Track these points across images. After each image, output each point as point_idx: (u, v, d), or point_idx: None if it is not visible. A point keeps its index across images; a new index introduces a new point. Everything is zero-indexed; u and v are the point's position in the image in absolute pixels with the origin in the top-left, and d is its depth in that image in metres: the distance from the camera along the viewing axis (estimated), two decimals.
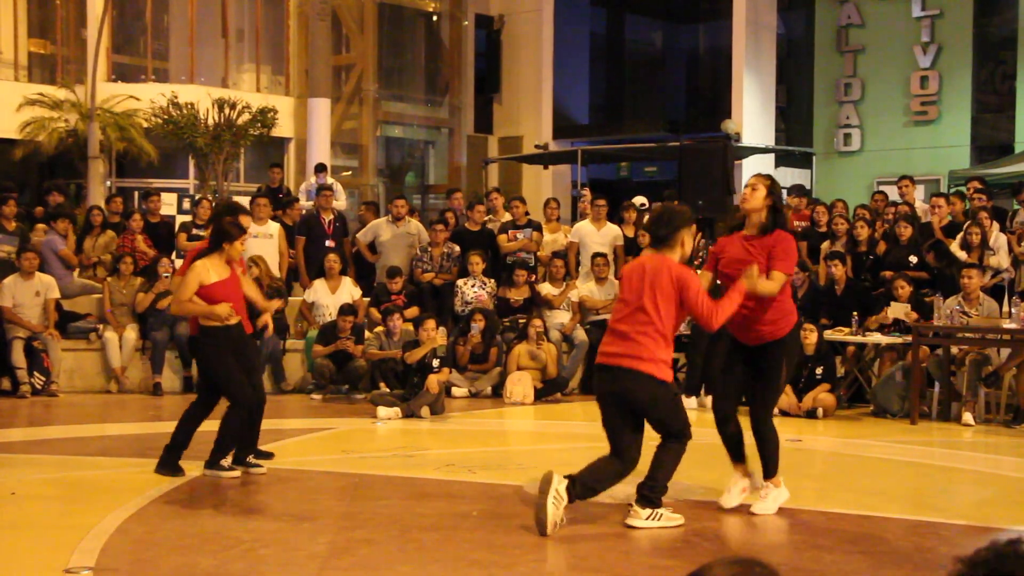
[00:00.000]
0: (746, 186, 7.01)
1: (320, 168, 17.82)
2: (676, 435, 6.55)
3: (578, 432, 10.93)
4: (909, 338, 11.33)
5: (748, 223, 6.94)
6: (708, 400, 11.99)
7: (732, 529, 6.70)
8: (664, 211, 6.91)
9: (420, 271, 14.11)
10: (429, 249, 14.22)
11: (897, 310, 11.73)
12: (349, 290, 13.75)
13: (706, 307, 6.40)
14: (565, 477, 6.25)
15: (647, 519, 6.40)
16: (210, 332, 7.79)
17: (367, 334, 12.87)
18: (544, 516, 6.10)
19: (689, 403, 11.90)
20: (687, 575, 2.00)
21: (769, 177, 7.12)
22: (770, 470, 7.03)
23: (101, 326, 13.29)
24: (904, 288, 11.86)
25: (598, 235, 14.17)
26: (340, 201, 16.62)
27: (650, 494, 6.44)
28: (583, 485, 6.31)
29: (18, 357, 12.48)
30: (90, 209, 15.47)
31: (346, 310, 12.86)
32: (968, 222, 12.67)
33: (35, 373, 12.60)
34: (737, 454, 7.13)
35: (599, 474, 6.43)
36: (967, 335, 11.19)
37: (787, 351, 7.02)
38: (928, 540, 6.37)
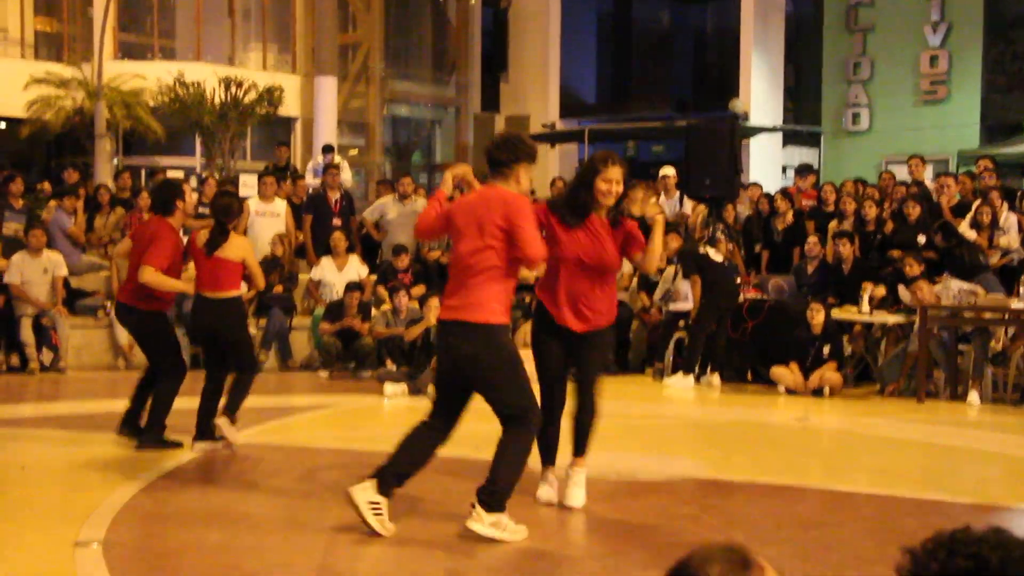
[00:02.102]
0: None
1: (327, 149, 17.81)
2: (515, 418, 5.75)
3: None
4: (915, 318, 11.31)
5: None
6: (715, 379, 12.03)
7: (740, 507, 6.70)
8: (507, 136, 6.22)
9: (426, 249, 14.11)
10: None
11: (905, 295, 11.69)
12: (356, 268, 13.76)
13: (536, 247, 5.68)
14: (370, 478, 5.70)
15: (489, 526, 5.60)
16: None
17: (374, 312, 12.88)
18: (379, 531, 5.63)
19: (686, 382, 11.91)
20: (671, 569, 2.01)
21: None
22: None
23: (109, 303, 13.31)
24: (914, 267, 11.82)
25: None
26: (346, 174, 16.63)
27: (489, 499, 5.63)
28: (396, 475, 5.76)
29: (27, 334, 12.51)
30: (97, 187, 15.48)
31: (353, 288, 12.87)
32: (978, 201, 12.63)
33: (43, 350, 12.63)
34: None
35: (413, 456, 5.86)
36: (975, 315, 11.17)
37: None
38: (934, 519, 6.37)
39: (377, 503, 5.67)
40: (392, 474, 5.74)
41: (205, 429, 8.03)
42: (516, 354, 5.84)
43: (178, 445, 8.09)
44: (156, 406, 8.16)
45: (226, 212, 8.08)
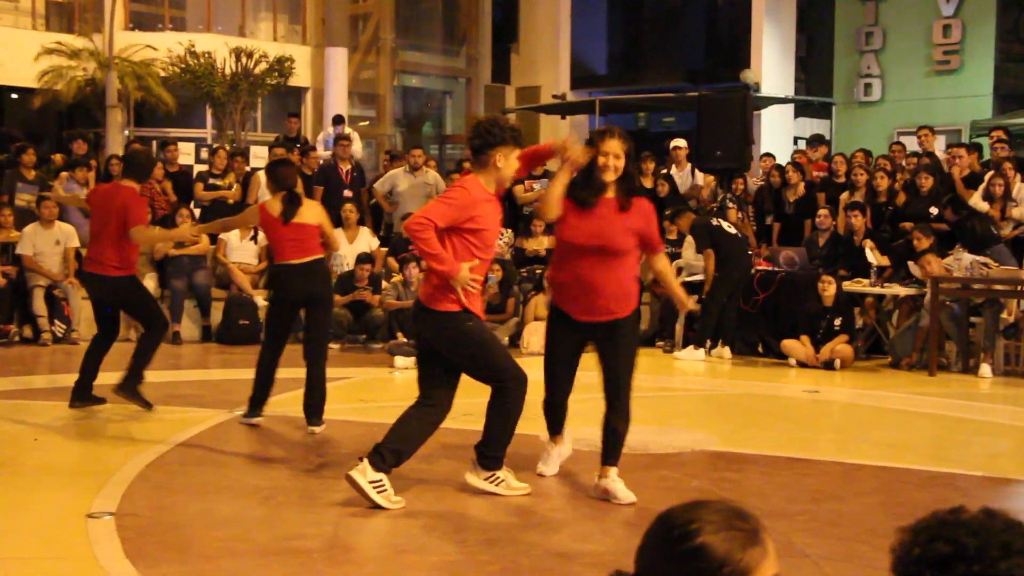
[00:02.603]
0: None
1: (338, 120, 17.78)
2: (495, 386, 6.01)
3: (594, 383, 10.91)
4: (927, 290, 11.28)
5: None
6: (725, 352, 12.03)
7: (750, 479, 6.71)
8: (481, 121, 6.09)
9: None
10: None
11: (915, 270, 11.66)
12: (367, 240, 13.76)
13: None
14: (365, 458, 5.82)
15: (484, 481, 6.04)
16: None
17: (384, 284, 12.89)
18: (387, 507, 5.75)
19: (697, 355, 11.91)
20: (682, 504, 1.97)
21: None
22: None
23: None
24: (922, 241, 11.78)
25: None
26: (356, 145, 16.62)
27: (480, 458, 6.10)
28: (392, 451, 5.85)
29: (39, 305, 12.55)
30: (108, 158, 15.48)
31: (363, 259, 12.87)
32: (991, 172, 12.56)
33: (56, 321, 12.66)
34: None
35: (408, 434, 5.96)
36: (987, 287, 11.14)
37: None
38: (945, 491, 6.38)
39: (378, 481, 5.75)
40: (388, 451, 5.81)
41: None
42: (475, 332, 5.90)
43: (149, 405, 8.37)
44: (141, 358, 8.44)
45: (285, 181, 8.09)
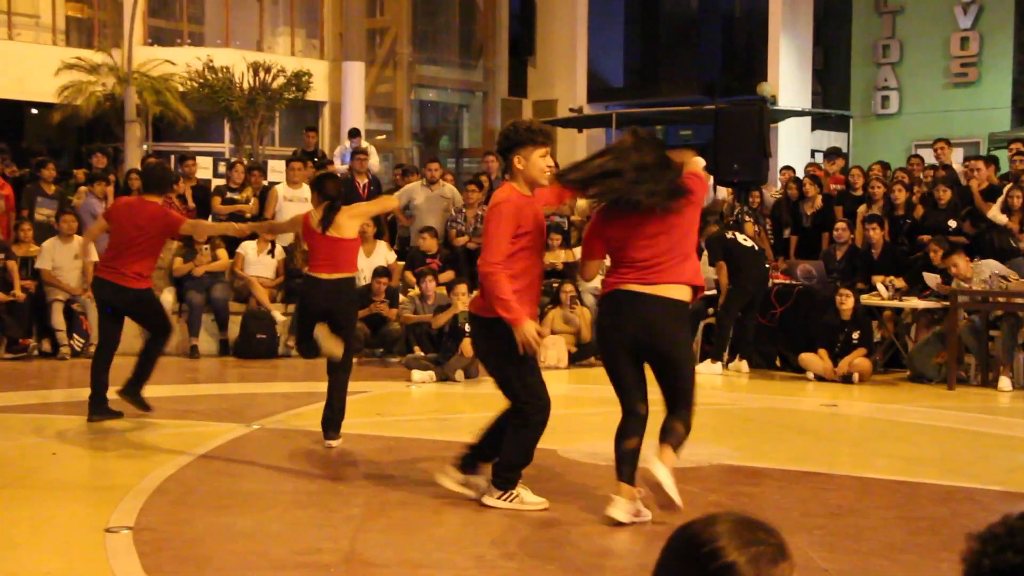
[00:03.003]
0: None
1: (354, 133, 17.81)
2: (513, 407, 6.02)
3: (611, 396, 10.89)
4: (946, 303, 11.24)
5: None
6: (743, 366, 11.99)
7: (768, 493, 6.69)
8: (505, 126, 6.17)
9: (455, 233, 14.12)
10: (464, 211, 14.24)
11: (932, 279, 11.63)
12: (384, 254, 13.78)
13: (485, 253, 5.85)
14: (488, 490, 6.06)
15: (497, 499, 6.02)
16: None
17: (401, 298, 12.90)
18: (532, 508, 5.97)
19: (714, 369, 11.88)
20: (695, 520, 1.94)
21: None
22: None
23: None
24: (938, 252, 11.75)
25: None
26: (373, 159, 16.66)
27: (495, 479, 6.09)
28: (508, 468, 6.04)
29: (58, 319, 12.60)
30: (128, 173, 15.56)
31: (380, 273, 12.89)
32: (1010, 185, 12.52)
33: (74, 335, 12.72)
34: None
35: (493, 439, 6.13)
36: (1007, 299, 11.09)
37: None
38: (964, 506, 6.35)
39: (505, 494, 6.01)
40: (503, 470, 6.03)
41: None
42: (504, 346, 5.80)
43: (148, 408, 8.60)
44: (148, 363, 8.68)
45: (329, 192, 8.03)
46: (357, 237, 8.04)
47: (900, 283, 11.92)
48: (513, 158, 5.87)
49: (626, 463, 5.74)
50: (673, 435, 5.66)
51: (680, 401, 5.74)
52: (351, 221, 7.95)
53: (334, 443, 7.79)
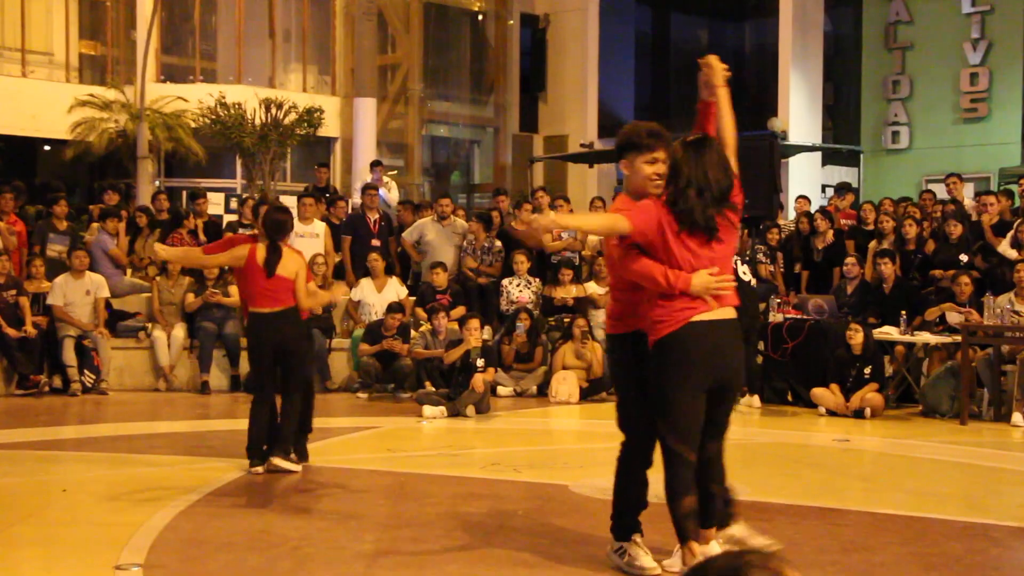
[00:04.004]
0: None
1: (376, 164, 17.88)
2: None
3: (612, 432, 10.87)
4: (959, 338, 11.21)
5: None
6: (754, 400, 11.94)
7: (780, 529, 6.65)
8: (630, 124, 5.75)
9: (467, 262, 14.24)
10: (472, 242, 14.35)
11: (954, 318, 11.59)
12: (396, 289, 13.80)
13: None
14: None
15: (612, 552, 5.66)
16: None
17: (413, 333, 12.91)
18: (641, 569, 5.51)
19: None
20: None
21: None
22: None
23: (150, 325, 13.41)
24: (967, 286, 11.73)
25: None
26: (393, 194, 16.74)
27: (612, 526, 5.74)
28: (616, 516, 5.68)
29: (69, 355, 12.61)
30: (136, 209, 15.61)
31: (394, 308, 12.91)
32: (1020, 220, 12.52)
33: (85, 371, 12.73)
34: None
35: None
36: (1019, 334, 11.05)
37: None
38: (978, 542, 6.31)
39: (618, 549, 5.56)
40: (614, 520, 5.65)
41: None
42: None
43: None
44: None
45: (278, 229, 8.11)
46: (293, 278, 8.05)
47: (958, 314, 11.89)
48: (622, 166, 5.47)
49: (691, 520, 5.29)
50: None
51: (722, 432, 5.58)
52: (291, 263, 8.01)
53: (259, 469, 7.89)
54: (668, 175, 5.32)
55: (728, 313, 5.24)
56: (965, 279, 11.81)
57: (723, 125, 5.65)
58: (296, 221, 14.37)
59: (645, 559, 5.49)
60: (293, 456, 8.04)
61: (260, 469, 7.96)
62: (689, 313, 5.15)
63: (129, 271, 14.28)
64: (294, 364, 8.13)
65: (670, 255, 5.15)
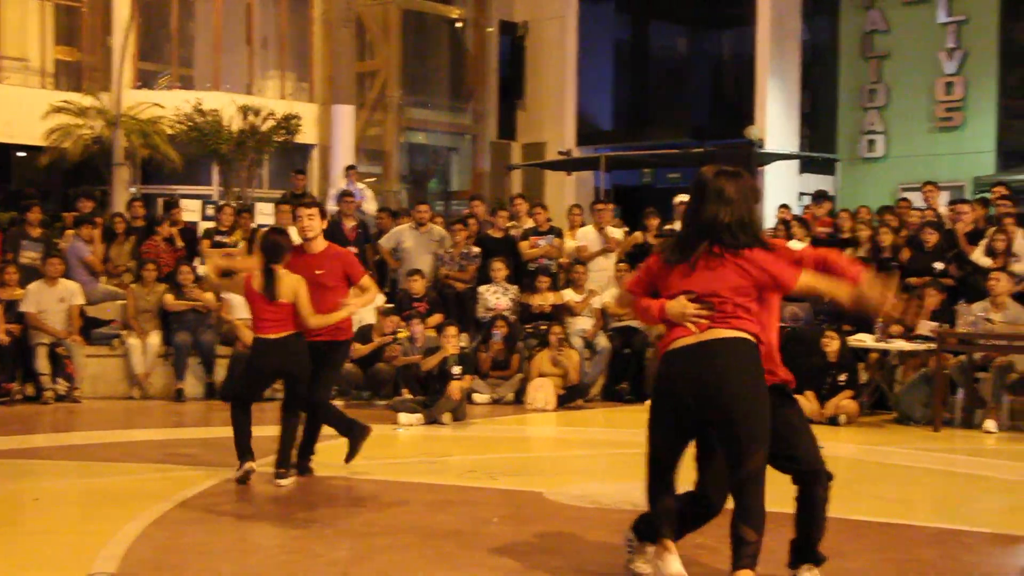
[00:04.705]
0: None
1: (350, 168, 17.87)
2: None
3: (599, 439, 10.93)
4: (933, 345, 11.26)
5: None
6: None
7: None
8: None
9: (444, 270, 14.21)
10: (451, 250, 14.32)
11: (923, 328, 11.66)
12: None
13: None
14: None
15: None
16: None
17: (386, 339, 12.88)
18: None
19: None
20: None
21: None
22: None
23: (124, 332, 13.35)
24: (934, 296, 11.82)
25: (599, 240, 14.30)
26: (370, 206, 16.70)
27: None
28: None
29: (42, 363, 12.54)
30: (112, 216, 15.54)
31: (389, 312, 12.98)
32: (993, 228, 12.60)
33: (58, 379, 12.65)
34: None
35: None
36: (992, 342, 11.11)
37: None
38: (952, 548, 6.33)
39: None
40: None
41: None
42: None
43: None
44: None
45: (274, 252, 7.89)
46: (292, 302, 7.83)
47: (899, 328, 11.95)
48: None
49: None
50: None
51: (738, 467, 5.22)
52: (288, 285, 7.80)
53: (283, 482, 7.85)
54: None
55: (718, 333, 5.06)
56: (931, 291, 11.87)
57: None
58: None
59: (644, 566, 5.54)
60: (282, 471, 7.96)
61: (252, 466, 7.92)
62: (667, 342, 5.18)
63: (104, 278, 14.20)
64: (293, 385, 8.02)
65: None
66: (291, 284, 7.81)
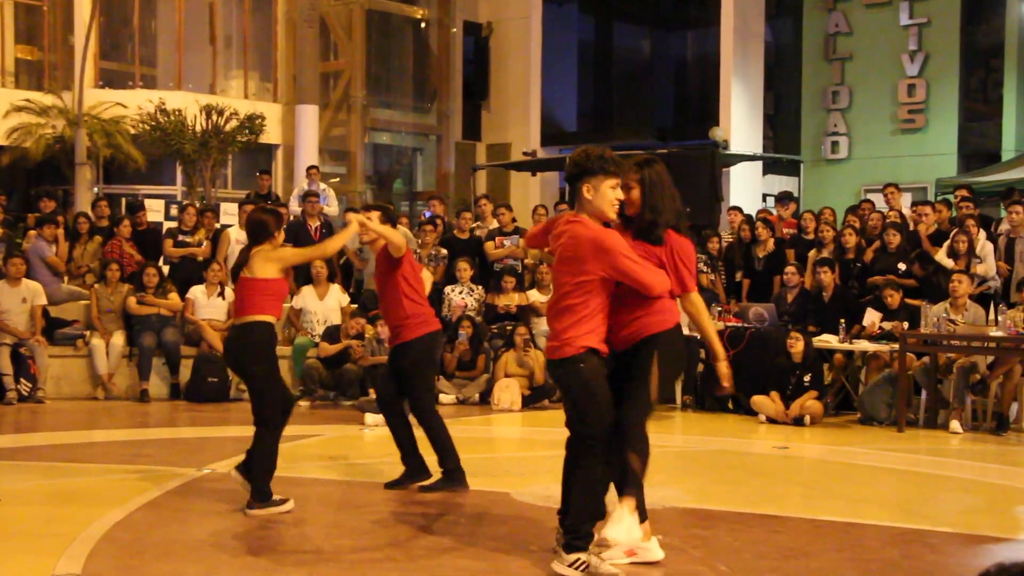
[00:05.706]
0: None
1: (311, 168, 17.84)
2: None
3: (565, 439, 10.90)
4: (896, 346, 11.35)
5: None
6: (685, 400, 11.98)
7: (720, 536, 6.69)
8: (577, 151, 5.76)
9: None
10: (418, 251, 14.28)
11: (871, 316, 11.80)
12: (337, 296, 13.75)
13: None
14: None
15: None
16: None
17: (354, 342, 12.86)
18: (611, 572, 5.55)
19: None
20: None
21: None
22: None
23: (88, 332, 13.26)
24: (894, 296, 11.93)
25: None
26: (332, 207, 16.63)
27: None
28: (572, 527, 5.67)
29: (4, 364, 12.44)
30: (76, 216, 15.43)
31: (357, 313, 12.97)
32: (955, 230, 12.71)
33: (21, 380, 12.56)
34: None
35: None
36: (954, 343, 11.21)
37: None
38: (915, 548, 6.38)
39: (576, 562, 5.49)
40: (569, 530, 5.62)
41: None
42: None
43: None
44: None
45: (260, 229, 7.20)
46: (272, 278, 7.03)
47: (876, 321, 12.04)
48: (582, 187, 5.54)
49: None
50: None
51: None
52: (267, 264, 7.01)
53: (251, 511, 6.98)
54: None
55: None
56: (890, 291, 11.99)
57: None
58: (238, 228, 14.31)
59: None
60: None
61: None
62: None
63: (67, 278, 14.09)
64: (249, 387, 7.38)
65: None
66: (267, 263, 7.05)
